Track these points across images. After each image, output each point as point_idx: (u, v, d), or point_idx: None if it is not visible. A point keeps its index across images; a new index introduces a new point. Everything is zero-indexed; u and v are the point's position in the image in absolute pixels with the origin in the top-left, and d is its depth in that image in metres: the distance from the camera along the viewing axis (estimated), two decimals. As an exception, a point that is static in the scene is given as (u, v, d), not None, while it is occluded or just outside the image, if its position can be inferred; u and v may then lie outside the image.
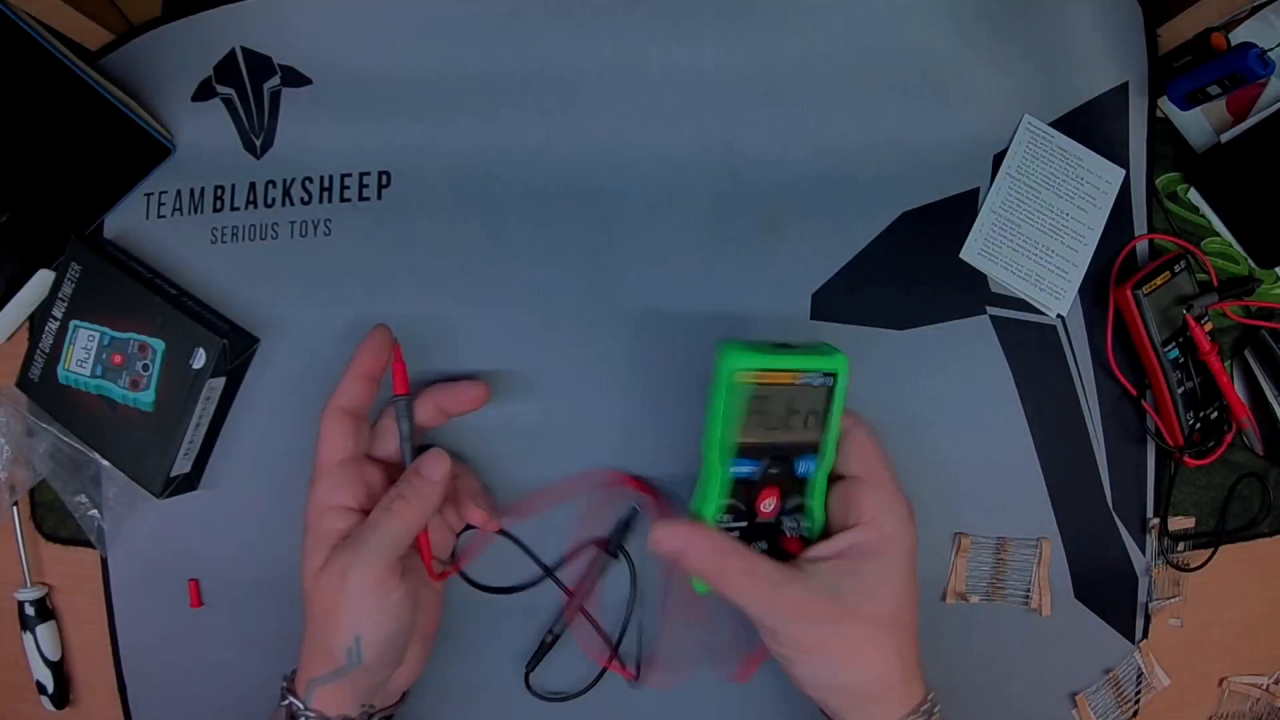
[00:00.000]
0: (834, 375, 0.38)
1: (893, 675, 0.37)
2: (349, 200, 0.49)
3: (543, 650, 0.47)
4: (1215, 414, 0.49)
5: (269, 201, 0.49)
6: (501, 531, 0.46)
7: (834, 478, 0.40)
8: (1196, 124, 0.52)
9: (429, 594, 0.43)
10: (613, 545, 0.47)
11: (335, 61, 0.49)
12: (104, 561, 0.49)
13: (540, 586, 0.47)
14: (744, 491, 0.38)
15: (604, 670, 0.47)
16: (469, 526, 0.45)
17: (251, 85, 0.49)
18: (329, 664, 0.37)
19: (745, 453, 0.38)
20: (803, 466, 0.39)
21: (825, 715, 0.39)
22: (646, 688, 0.47)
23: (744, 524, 0.39)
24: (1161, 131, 0.52)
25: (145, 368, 0.46)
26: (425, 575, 0.42)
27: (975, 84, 0.49)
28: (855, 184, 0.49)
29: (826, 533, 0.40)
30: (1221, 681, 0.51)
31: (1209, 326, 0.48)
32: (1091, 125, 0.50)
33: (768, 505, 0.39)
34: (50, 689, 0.50)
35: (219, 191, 0.49)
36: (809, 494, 0.40)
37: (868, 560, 0.37)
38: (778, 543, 0.40)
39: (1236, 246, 0.51)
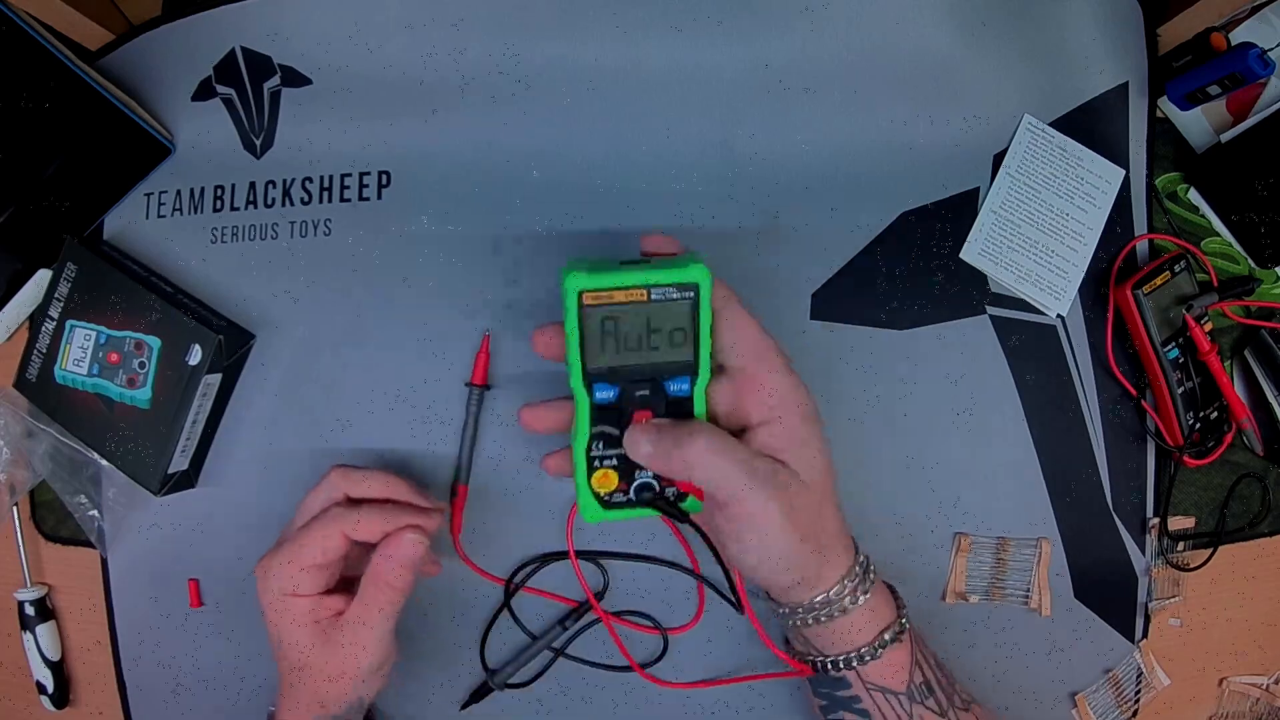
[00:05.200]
0: (694, 287, 0.34)
1: (831, 530, 0.37)
2: (349, 200, 0.49)
3: (480, 694, 0.47)
4: (1215, 414, 0.49)
5: (269, 201, 0.49)
6: (513, 617, 0.47)
7: (715, 371, 0.37)
8: (1196, 124, 0.52)
9: None
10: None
11: (335, 61, 0.49)
12: (104, 561, 0.49)
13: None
14: (615, 419, 0.36)
15: None
16: None
17: (251, 85, 0.49)
18: (323, 710, 0.40)
19: (606, 377, 0.35)
20: (675, 387, 0.36)
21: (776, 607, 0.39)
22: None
23: (618, 451, 0.36)
24: (1161, 131, 0.51)
25: (141, 365, 0.46)
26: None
27: (975, 84, 0.49)
28: (855, 184, 0.49)
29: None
30: (1221, 681, 0.51)
31: (1209, 326, 0.48)
32: (1091, 125, 0.50)
33: None
34: (50, 689, 0.50)
35: (219, 191, 0.49)
36: (691, 414, 0.36)
37: (779, 454, 0.36)
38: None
39: (1236, 246, 0.51)
